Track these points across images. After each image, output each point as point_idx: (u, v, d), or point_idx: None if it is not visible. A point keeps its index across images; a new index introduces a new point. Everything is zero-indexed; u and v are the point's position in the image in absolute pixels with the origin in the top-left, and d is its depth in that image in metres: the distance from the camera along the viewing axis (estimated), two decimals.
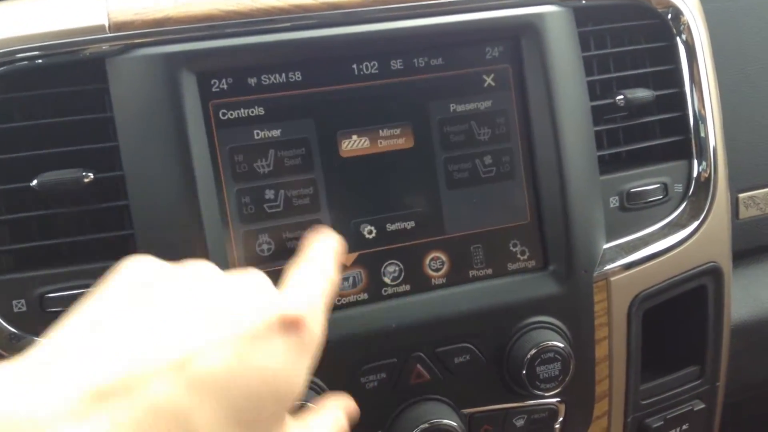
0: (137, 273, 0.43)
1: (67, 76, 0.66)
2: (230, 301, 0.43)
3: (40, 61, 0.65)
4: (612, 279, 0.77)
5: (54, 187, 0.63)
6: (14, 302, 0.63)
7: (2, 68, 0.64)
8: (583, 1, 0.77)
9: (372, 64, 0.70)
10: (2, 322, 0.63)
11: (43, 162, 0.65)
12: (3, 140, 0.66)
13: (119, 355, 0.36)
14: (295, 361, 0.43)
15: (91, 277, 0.64)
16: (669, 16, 0.81)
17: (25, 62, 0.65)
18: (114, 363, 0.36)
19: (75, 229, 0.66)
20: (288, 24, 0.68)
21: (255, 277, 0.46)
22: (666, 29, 0.82)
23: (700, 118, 0.83)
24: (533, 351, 0.71)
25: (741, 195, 1.01)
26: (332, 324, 0.68)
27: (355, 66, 0.70)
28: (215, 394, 0.38)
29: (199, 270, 0.46)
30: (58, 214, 0.65)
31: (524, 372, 0.71)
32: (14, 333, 0.63)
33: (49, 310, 0.63)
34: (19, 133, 0.66)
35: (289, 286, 0.49)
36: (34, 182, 0.64)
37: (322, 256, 0.54)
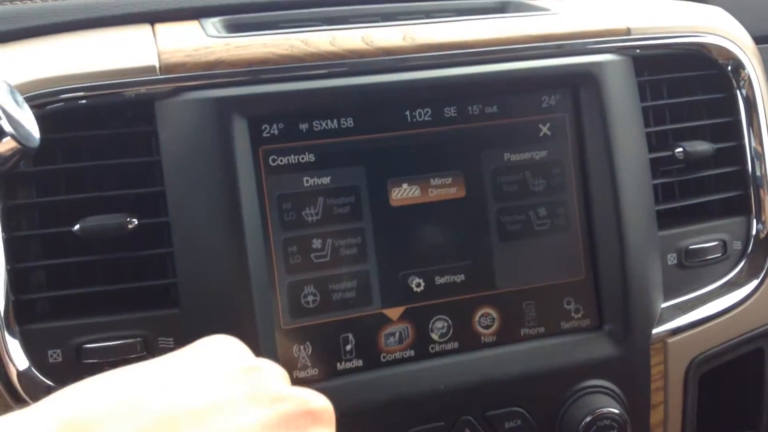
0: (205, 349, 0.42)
1: (112, 118, 0.64)
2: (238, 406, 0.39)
3: (85, 101, 0.63)
4: (669, 341, 0.74)
5: (97, 233, 0.61)
6: (50, 352, 0.60)
7: (47, 108, 0.62)
8: (643, 51, 0.75)
9: (425, 111, 0.68)
10: (37, 373, 0.60)
11: (85, 205, 0.63)
12: (45, 182, 0.63)
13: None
14: None
15: (131, 327, 0.61)
16: (729, 67, 0.79)
17: (71, 102, 0.63)
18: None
19: (115, 275, 0.64)
20: (341, 69, 0.66)
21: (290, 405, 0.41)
22: (725, 80, 0.80)
23: (759, 173, 0.79)
24: (589, 418, 0.67)
25: None
26: (376, 383, 0.66)
27: (408, 113, 0.68)
28: None
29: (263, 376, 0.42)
30: (99, 260, 0.63)
31: None
32: (50, 386, 0.60)
33: (86, 361, 0.60)
34: (61, 176, 0.64)
35: None
36: (77, 227, 0.61)
37: None
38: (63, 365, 0.60)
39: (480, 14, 0.75)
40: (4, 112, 0.51)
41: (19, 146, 0.50)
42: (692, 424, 0.78)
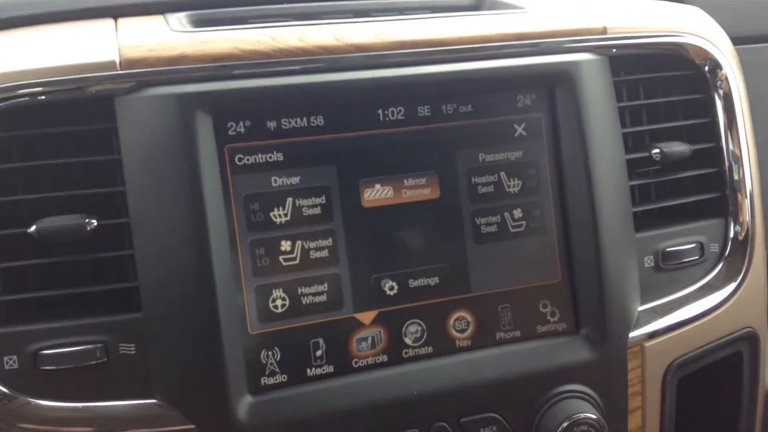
0: None
1: (71, 115, 0.62)
2: None
3: (43, 97, 0.60)
4: (646, 345, 0.73)
5: (54, 235, 0.58)
6: (5, 359, 0.58)
7: (3, 104, 0.60)
8: (620, 51, 0.74)
9: (398, 110, 0.66)
10: None
11: (43, 206, 0.60)
12: (0, 182, 0.61)
13: None
14: None
15: (91, 332, 0.59)
16: (706, 68, 0.78)
17: (28, 98, 0.60)
18: None
19: (74, 278, 0.61)
20: (311, 66, 0.64)
21: None
22: (702, 81, 0.79)
23: (736, 175, 0.79)
24: (565, 423, 0.66)
25: None
26: (348, 390, 0.64)
27: (380, 111, 0.66)
28: None
29: None
30: (57, 263, 0.60)
31: None
32: (6, 393, 0.57)
33: (44, 368, 0.57)
34: (17, 174, 0.61)
35: None
36: (33, 228, 0.59)
37: None
38: (19, 372, 0.58)
39: (454, 12, 0.74)
40: None
41: None
42: (670, 428, 0.76)
